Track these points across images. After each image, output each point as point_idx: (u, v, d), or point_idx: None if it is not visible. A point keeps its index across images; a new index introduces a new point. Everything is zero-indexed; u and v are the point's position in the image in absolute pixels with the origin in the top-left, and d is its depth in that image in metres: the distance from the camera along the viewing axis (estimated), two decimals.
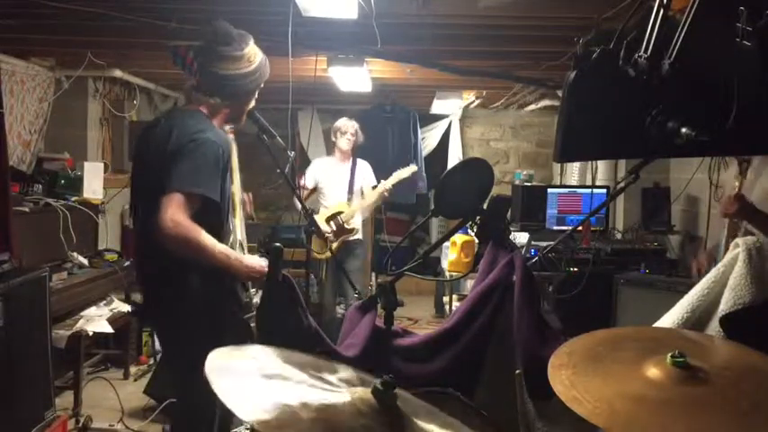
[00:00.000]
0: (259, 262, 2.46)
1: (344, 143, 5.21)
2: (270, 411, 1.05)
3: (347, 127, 5.21)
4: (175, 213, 2.21)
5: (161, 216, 2.20)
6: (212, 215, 2.38)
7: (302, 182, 5.24)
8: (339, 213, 5.12)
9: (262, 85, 2.60)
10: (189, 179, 2.27)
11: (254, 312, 2.57)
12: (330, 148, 7.38)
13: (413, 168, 5.27)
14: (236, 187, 2.88)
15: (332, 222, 5.10)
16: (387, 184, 5.15)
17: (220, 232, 2.45)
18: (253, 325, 2.58)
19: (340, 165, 5.28)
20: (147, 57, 4.77)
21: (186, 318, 2.41)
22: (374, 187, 5.22)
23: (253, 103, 2.64)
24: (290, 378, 1.21)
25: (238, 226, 2.78)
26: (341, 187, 5.22)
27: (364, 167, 5.34)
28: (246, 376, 1.17)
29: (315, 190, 5.30)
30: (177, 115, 2.53)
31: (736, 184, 2.88)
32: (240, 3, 3.28)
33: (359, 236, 5.26)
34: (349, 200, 5.18)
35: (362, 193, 5.24)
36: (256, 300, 2.66)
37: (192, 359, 2.35)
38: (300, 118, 6.78)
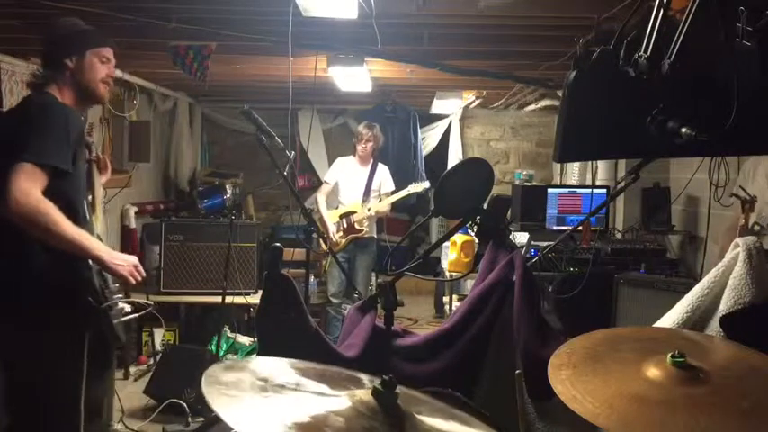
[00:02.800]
0: (127, 257, 2.33)
1: (360, 149, 5.44)
2: (275, 427, 1.05)
3: (362, 135, 5.44)
4: (24, 183, 2.04)
5: (9, 188, 2.02)
6: (67, 191, 2.22)
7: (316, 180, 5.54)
8: (352, 213, 5.36)
9: (100, 52, 2.44)
10: (36, 148, 2.10)
11: (113, 301, 2.36)
12: (330, 148, 7.43)
13: (425, 185, 5.57)
14: (97, 183, 2.70)
15: (344, 220, 5.36)
16: (396, 196, 5.46)
17: (77, 216, 2.27)
18: (114, 315, 2.35)
19: (359, 167, 5.50)
20: (147, 57, 4.77)
21: (31, 303, 2.21)
22: (391, 192, 5.49)
23: (100, 74, 2.43)
24: (289, 389, 1.20)
25: (98, 222, 2.62)
26: (357, 188, 5.44)
27: (383, 172, 5.54)
28: (243, 392, 1.15)
29: (334, 187, 5.56)
30: (26, 97, 2.42)
31: (741, 222, 2.92)
32: (240, 3, 3.28)
33: (372, 233, 5.47)
34: (364, 201, 5.40)
35: (380, 196, 5.47)
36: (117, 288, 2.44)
37: (35, 346, 2.18)
38: (300, 118, 6.78)
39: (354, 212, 5.36)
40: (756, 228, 3.39)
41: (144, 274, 2.40)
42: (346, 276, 5.17)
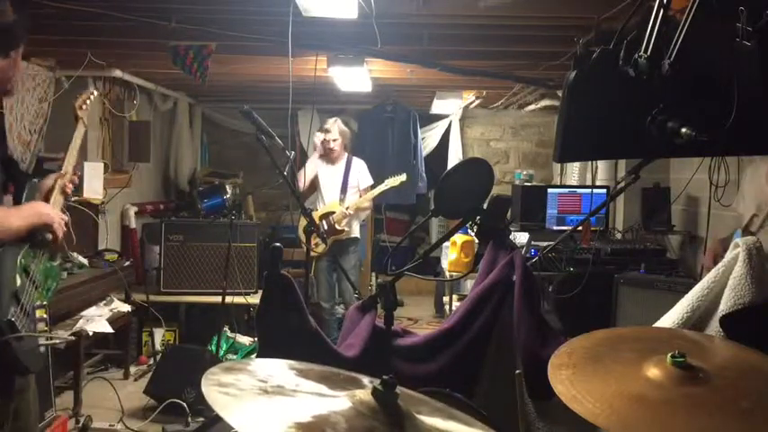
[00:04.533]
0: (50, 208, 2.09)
1: (328, 149, 5.20)
2: (276, 427, 1.05)
3: (327, 132, 5.19)
4: None
5: None
6: None
7: (299, 180, 5.21)
8: (331, 213, 5.15)
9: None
10: None
11: (20, 333, 2.01)
12: None
13: (402, 178, 5.22)
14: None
15: (324, 221, 5.13)
16: (374, 192, 5.21)
17: None
18: (23, 344, 2.02)
19: (331, 166, 5.30)
20: (147, 57, 4.77)
21: None
22: (370, 187, 5.26)
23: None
24: (289, 389, 1.20)
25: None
26: (335, 186, 5.23)
27: (359, 167, 5.32)
28: (244, 392, 1.16)
29: (312, 186, 5.30)
30: None
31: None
32: (240, 3, 3.28)
33: (355, 234, 5.28)
34: (342, 200, 5.19)
35: (359, 192, 5.26)
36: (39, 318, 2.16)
37: None
38: (300, 118, 6.78)
39: (333, 212, 5.14)
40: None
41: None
42: (344, 275, 4.99)
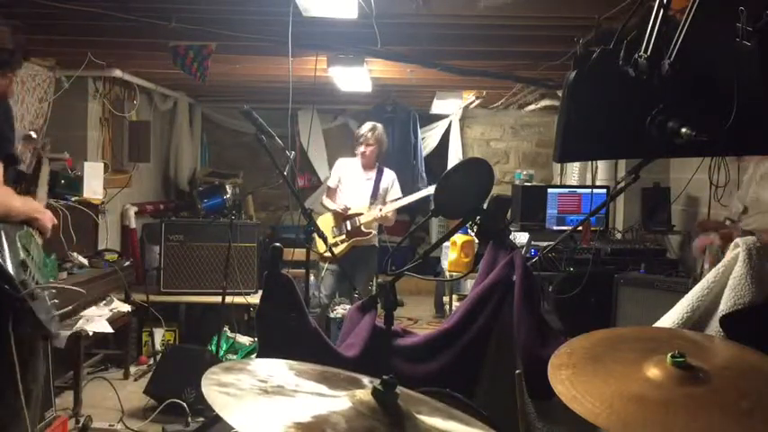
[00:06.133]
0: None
1: (360, 153, 5.03)
2: (276, 427, 1.05)
3: (363, 137, 5.01)
4: None
5: None
6: None
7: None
8: (359, 215, 4.95)
9: None
10: None
11: (33, 289, 2.25)
12: (330, 148, 7.42)
13: (431, 190, 4.88)
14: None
15: (347, 222, 4.93)
16: (409, 198, 5.03)
17: None
18: (39, 307, 2.27)
19: (363, 172, 5.08)
20: (147, 57, 4.77)
21: None
22: (397, 199, 5.07)
23: None
24: (289, 390, 1.21)
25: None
26: (362, 194, 5.02)
27: (389, 178, 5.11)
28: (244, 392, 1.16)
29: (336, 189, 5.13)
30: None
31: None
32: (240, 3, 3.28)
33: (374, 242, 5.07)
34: (371, 204, 5.00)
35: (384, 202, 5.05)
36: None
37: None
38: (300, 118, 6.78)
39: (360, 214, 4.93)
40: (728, 222, 3.39)
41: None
42: (348, 279, 4.85)
